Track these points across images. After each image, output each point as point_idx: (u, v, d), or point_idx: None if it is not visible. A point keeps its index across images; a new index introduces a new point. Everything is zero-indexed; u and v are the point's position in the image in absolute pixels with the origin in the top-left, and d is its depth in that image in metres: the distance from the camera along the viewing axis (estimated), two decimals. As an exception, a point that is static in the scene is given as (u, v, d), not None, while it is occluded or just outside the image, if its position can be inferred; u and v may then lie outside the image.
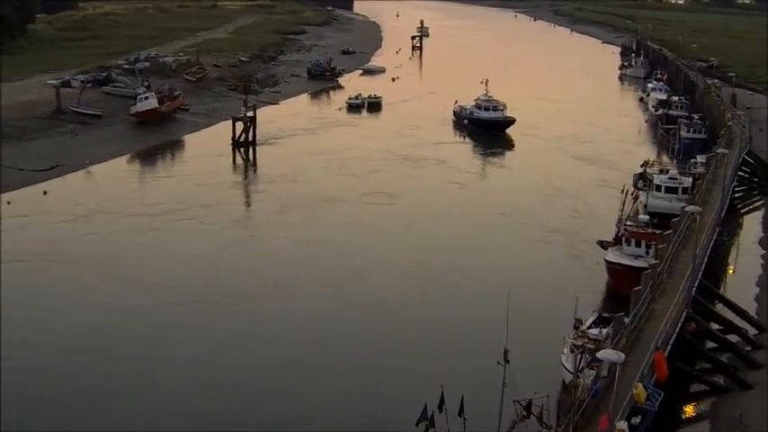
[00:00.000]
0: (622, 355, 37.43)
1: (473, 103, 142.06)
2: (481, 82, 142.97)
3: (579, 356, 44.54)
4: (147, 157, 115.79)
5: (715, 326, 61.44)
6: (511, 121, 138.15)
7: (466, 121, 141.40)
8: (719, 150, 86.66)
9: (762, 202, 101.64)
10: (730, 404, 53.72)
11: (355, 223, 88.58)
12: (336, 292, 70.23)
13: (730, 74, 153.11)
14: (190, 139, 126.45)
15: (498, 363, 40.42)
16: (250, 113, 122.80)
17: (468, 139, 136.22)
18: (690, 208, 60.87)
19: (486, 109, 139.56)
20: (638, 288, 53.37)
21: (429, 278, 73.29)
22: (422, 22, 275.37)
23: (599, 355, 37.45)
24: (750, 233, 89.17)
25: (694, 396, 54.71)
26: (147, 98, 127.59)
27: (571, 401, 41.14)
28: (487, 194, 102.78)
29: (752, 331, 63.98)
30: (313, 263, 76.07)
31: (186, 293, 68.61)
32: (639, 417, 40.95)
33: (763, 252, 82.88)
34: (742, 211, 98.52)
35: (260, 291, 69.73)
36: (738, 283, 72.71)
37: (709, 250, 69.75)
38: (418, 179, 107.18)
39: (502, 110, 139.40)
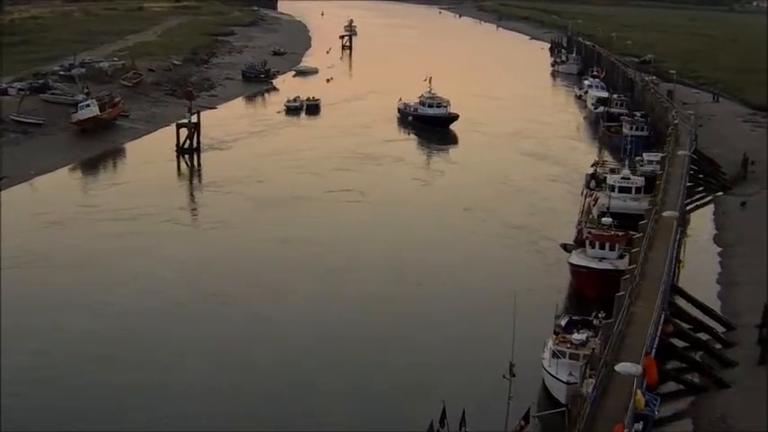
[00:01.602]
0: (640, 368, 37.91)
1: (417, 101, 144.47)
2: (425, 80, 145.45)
3: (585, 365, 45.05)
4: (94, 165, 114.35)
5: (686, 326, 62.41)
6: (454, 118, 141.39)
7: (411, 118, 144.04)
8: (680, 152, 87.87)
9: (710, 198, 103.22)
10: (709, 404, 54.61)
11: (329, 221, 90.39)
12: (321, 290, 71.56)
13: (671, 71, 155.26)
14: (133, 147, 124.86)
15: (504, 376, 40.73)
16: (194, 119, 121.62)
17: (416, 136, 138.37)
18: (667, 213, 61.66)
19: (431, 106, 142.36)
20: (620, 293, 53.95)
21: (411, 276, 75.04)
22: (351, 22, 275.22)
23: (617, 368, 37.81)
24: (704, 230, 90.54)
25: (674, 396, 55.36)
26: (88, 105, 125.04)
27: (577, 411, 41.59)
28: (449, 191, 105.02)
29: (720, 329, 65.25)
30: (300, 262, 77.67)
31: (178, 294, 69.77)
32: (641, 423, 41.52)
33: (719, 249, 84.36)
34: (689, 207, 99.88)
35: (252, 290, 70.94)
36: (701, 282, 73.58)
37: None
38: (381, 176, 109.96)
39: (446, 106, 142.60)
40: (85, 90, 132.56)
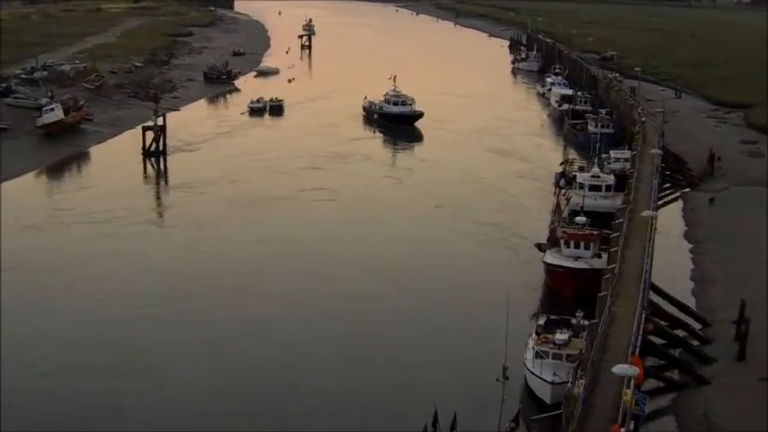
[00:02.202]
0: (637, 369, 38.26)
1: (383, 99, 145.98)
2: (389, 78, 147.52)
3: (576, 367, 45.39)
4: (61, 170, 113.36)
5: (664, 323, 62.94)
6: (419, 115, 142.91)
7: (376, 116, 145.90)
8: (653, 151, 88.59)
9: (677, 194, 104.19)
10: (690, 400, 55.26)
11: (304, 221, 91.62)
12: (302, 289, 72.18)
13: (636, 68, 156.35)
14: (99, 150, 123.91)
15: (497, 379, 40.98)
16: (159, 122, 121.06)
17: (383, 134, 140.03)
18: (645, 213, 62.25)
19: (396, 104, 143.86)
20: (603, 294, 54.39)
21: (391, 276, 75.64)
22: (310, 21, 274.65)
23: (615, 369, 38.14)
24: (674, 227, 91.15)
25: (656, 393, 55.63)
26: (53, 109, 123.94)
27: (570, 411, 41.96)
28: (420, 188, 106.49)
29: (697, 326, 65.92)
30: (277, 262, 78.99)
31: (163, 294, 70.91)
32: (632, 422, 41.85)
33: (691, 245, 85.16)
34: (658, 204, 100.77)
35: (234, 290, 71.46)
36: (675, 279, 74.01)
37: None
38: (352, 175, 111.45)
39: (410, 104, 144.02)
40: (49, 94, 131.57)
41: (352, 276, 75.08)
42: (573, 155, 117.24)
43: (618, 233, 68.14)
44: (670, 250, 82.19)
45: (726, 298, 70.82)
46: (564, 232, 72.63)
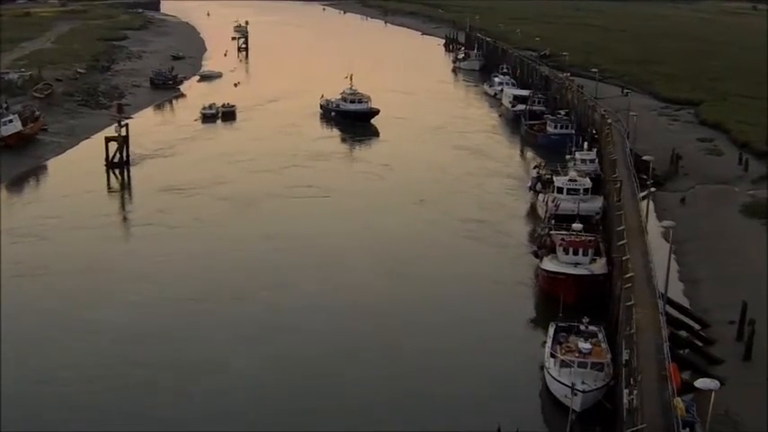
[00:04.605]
0: (717, 383, 39.74)
1: (339, 97, 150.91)
2: (345, 77, 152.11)
3: (625, 377, 46.83)
4: (27, 182, 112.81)
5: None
6: (376, 112, 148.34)
7: (333, 114, 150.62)
8: (645, 158, 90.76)
9: (644, 194, 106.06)
10: (708, 401, 56.87)
11: (306, 215, 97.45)
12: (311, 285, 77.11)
13: (594, 70, 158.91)
14: (60, 162, 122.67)
15: None
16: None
17: (345, 132, 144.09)
18: (666, 223, 63.92)
19: (353, 101, 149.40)
20: (630, 303, 55.86)
21: (394, 270, 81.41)
22: (246, 23, 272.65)
23: (697, 384, 39.65)
24: (650, 228, 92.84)
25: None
26: (11, 121, 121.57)
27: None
28: (402, 184, 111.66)
29: (696, 327, 67.96)
30: (291, 256, 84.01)
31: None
32: (687, 429, 43.44)
33: (671, 246, 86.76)
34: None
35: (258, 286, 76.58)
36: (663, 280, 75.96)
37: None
38: (335, 172, 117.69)
39: (367, 102, 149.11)
40: (4, 105, 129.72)
41: (364, 267, 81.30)
42: (531, 155, 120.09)
43: (623, 240, 69.58)
44: (653, 251, 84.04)
45: (717, 298, 73.18)
46: (562, 239, 74.06)
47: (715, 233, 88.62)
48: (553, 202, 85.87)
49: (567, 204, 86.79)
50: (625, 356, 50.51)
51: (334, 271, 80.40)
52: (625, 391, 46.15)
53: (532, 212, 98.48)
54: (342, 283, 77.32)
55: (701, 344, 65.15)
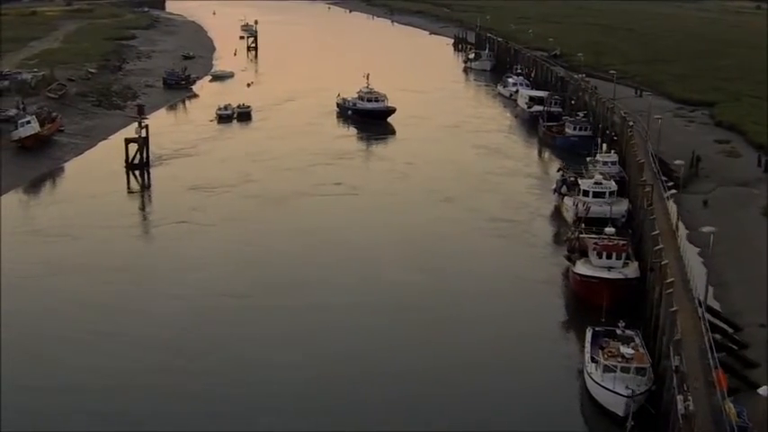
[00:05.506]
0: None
1: (356, 96, 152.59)
2: (363, 76, 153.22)
3: (677, 382, 47.13)
4: (49, 184, 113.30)
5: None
6: (392, 111, 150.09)
7: (350, 112, 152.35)
8: (676, 162, 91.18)
9: (666, 196, 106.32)
10: (752, 404, 57.20)
11: (338, 212, 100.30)
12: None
13: (612, 71, 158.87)
14: (80, 163, 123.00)
15: None
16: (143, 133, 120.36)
17: (364, 130, 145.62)
18: (706, 229, 64.32)
19: (369, 100, 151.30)
20: (674, 309, 56.20)
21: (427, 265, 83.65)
22: (255, 22, 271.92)
23: (760, 391, 40.03)
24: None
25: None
26: (28, 122, 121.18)
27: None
28: (427, 182, 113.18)
29: (729, 330, 68.24)
30: (329, 251, 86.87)
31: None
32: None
33: (698, 249, 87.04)
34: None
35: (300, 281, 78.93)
36: (693, 283, 76.23)
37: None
38: (360, 170, 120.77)
39: (383, 100, 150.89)
40: (21, 105, 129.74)
41: (400, 263, 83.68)
42: (549, 157, 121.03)
43: (659, 244, 69.91)
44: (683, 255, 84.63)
45: (747, 301, 73.47)
46: (596, 243, 74.24)
47: (739, 236, 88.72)
48: (583, 205, 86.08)
49: (597, 207, 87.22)
50: (675, 362, 50.68)
51: (375, 267, 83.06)
52: (679, 398, 46.33)
53: (557, 214, 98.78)
54: (382, 279, 80.00)
55: (735, 347, 65.42)
